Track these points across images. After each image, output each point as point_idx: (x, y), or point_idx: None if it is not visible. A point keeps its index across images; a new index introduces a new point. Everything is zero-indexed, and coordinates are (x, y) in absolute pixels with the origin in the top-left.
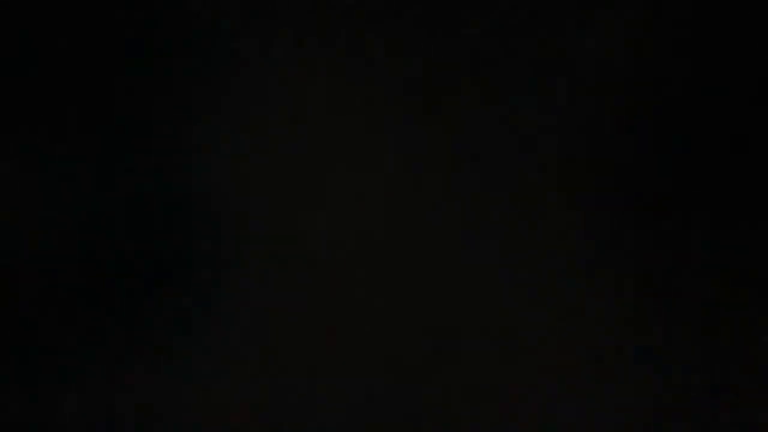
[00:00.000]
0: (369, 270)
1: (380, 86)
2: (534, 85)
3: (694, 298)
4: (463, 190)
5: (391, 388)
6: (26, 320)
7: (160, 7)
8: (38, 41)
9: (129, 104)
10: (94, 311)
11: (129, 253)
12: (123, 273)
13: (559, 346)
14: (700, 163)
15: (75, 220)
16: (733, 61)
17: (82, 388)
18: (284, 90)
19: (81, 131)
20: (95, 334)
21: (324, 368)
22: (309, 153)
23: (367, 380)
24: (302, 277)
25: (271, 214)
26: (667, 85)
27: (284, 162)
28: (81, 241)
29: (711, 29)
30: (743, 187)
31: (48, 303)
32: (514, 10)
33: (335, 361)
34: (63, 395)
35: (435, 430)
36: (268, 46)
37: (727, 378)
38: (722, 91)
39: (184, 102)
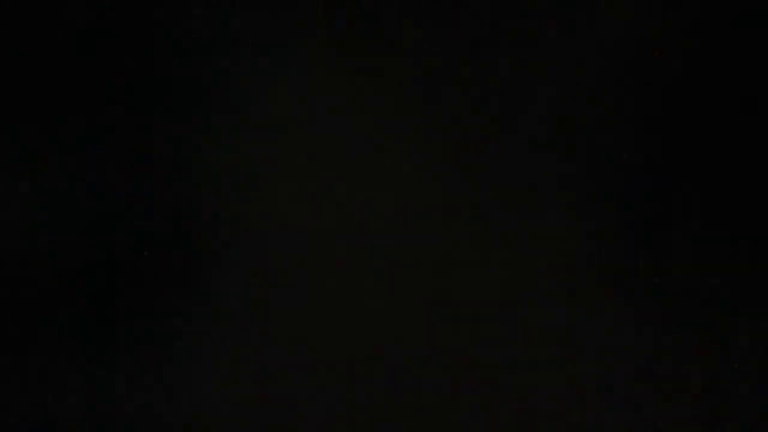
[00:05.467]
0: (370, 270)
1: (380, 86)
2: (536, 85)
3: (695, 298)
4: (464, 190)
5: (391, 389)
6: (24, 319)
7: (161, 8)
8: (38, 42)
9: (129, 104)
10: (92, 311)
11: (128, 252)
12: (121, 272)
13: (560, 347)
14: (702, 162)
15: (73, 219)
16: (734, 60)
17: (81, 387)
18: (286, 89)
19: (79, 129)
20: (94, 333)
21: (324, 368)
22: (310, 153)
23: (367, 380)
24: (304, 278)
25: (272, 214)
26: (669, 85)
27: (285, 161)
28: (79, 240)
29: (712, 28)
30: (745, 186)
31: (46, 302)
32: (515, 9)
33: (335, 361)
34: (61, 395)
35: (436, 430)
36: (270, 45)
37: (728, 378)
38: (723, 90)
39: (185, 100)
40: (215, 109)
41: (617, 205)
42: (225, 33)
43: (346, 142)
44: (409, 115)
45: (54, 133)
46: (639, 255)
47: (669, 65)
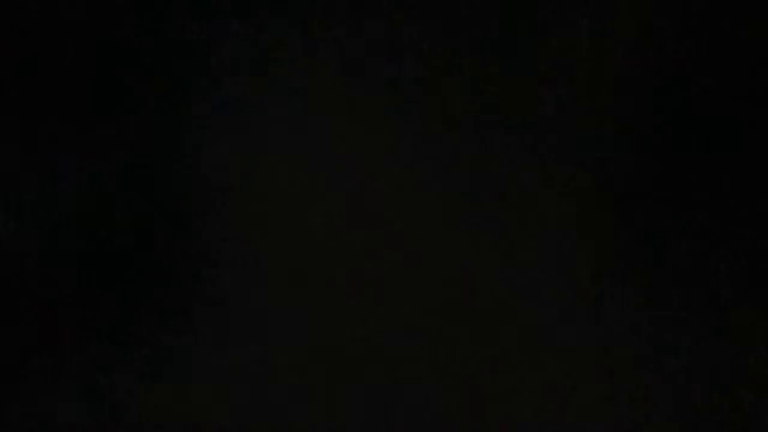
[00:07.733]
0: (370, 269)
1: (380, 87)
2: (535, 86)
3: (696, 297)
4: (465, 190)
5: (392, 389)
6: (22, 317)
7: (161, 6)
8: (38, 39)
9: (128, 101)
10: (91, 309)
11: (128, 250)
12: (121, 270)
13: (560, 348)
14: (702, 162)
15: (73, 216)
16: (734, 59)
17: (80, 386)
18: (287, 88)
19: (79, 126)
20: (93, 331)
21: (324, 368)
22: (310, 152)
23: (367, 381)
24: (304, 278)
25: (272, 213)
26: (668, 85)
27: (285, 161)
28: (79, 237)
29: (712, 28)
30: (745, 186)
31: (45, 300)
32: (515, 10)
33: (336, 362)
34: (61, 395)
35: (435, 429)
36: (270, 44)
37: (729, 379)
38: (723, 90)
39: (185, 98)
40: (216, 109)
41: (617, 205)
42: (225, 33)
43: (346, 142)
44: (409, 116)
45: (54, 133)
46: (639, 254)
47: (669, 65)
